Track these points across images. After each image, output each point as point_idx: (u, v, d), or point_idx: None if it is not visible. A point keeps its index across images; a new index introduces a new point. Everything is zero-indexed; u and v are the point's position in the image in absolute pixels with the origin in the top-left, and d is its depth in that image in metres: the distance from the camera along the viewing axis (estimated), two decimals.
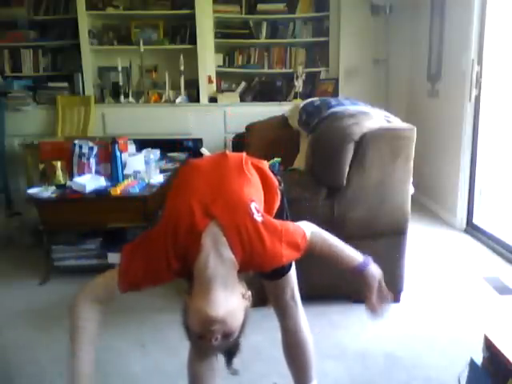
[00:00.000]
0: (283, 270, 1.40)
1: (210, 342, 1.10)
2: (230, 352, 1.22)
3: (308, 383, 1.56)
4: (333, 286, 2.34)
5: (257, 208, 1.21)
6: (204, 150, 1.57)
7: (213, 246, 1.15)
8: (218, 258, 1.14)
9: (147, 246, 1.20)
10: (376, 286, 1.37)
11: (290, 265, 1.44)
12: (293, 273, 1.47)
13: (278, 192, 1.44)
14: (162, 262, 1.17)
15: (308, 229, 1.30)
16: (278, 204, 1.43)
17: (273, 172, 1.49)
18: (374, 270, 1.39)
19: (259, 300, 1.29)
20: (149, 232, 1.24)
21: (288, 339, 1.51)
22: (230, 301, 1.12)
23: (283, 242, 1.20)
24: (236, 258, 1.15)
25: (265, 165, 1.47)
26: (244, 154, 1.43)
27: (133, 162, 3.06)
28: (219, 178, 1.29)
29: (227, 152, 1.44)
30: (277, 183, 1.44)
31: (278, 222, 1.24)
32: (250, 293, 1.20)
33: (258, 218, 1.19)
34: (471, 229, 3.49)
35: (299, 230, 1.26)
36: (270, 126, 3.46)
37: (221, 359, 1.28)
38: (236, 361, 1.24)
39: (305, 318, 1.52)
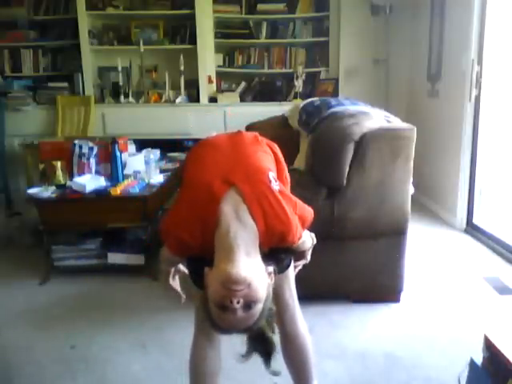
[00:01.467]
0: (284, 263, 1.40)
1: (232, 305, 1.06)
2: (267, 352, 1.19)
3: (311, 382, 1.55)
4: (333, 285, 2.34)
5: (274, 177, 1.24)
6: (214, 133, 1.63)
7: (234, 212, 1.14)
8: (240, 224, 1.14)
9: (173, 219, 1.26)
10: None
11: (290, 260, 1.43)
12: (291, 271, 1.47)
13: (287, 177, 1.49)
14: (186, 233, 1.19)
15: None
16: (289, 185, 1.50)
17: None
18: None
19: None
20: (172, 206, 1.31)
21: (287, 342, 1.50)
22: (253, 267, 1.11)
23: (296, 214, 1.24)
24: (257, 225, 1.15)
25: (276, 146, 1.51)
26: (258, 134, 1.49)
27: (133, 161, 3.06)
28: (236, 150, 1.34)
29: (242, 131, 1.49)
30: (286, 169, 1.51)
31: (290, 194, 1.30)
32: (271, 269, 1.17)
33: (276, 186, 1.22)
34: (471, 229, 3.49)
35: (307, 208, 1.34)
36: (270, 126, 3.46)
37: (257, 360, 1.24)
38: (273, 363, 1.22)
39: (303, 319, 1.51)
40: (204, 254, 1.18)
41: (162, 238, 1.27)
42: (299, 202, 1.30)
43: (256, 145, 1.40)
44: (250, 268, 1.10)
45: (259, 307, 1.11)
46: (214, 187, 1.18)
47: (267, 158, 1.37)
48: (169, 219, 1.28)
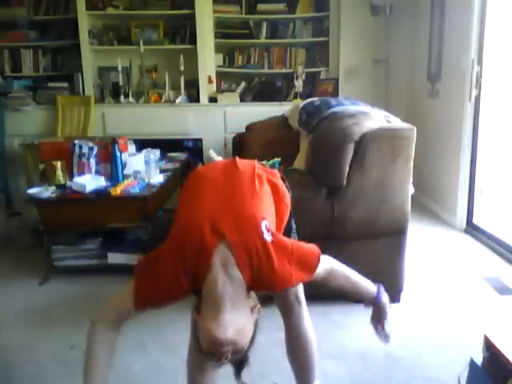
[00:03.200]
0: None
1: (220, 360, 1.11)
2: (239, 364, 1.21)
3: (311, 383, 1.55)
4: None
5: (267, 226, 1.19)
6: (212, 153, 1.56)
7: (222, 266, 1.13)
8: (227, 278, 1.13)
9: (158, 264, 1.18)
10: (388, 313, 1.43)
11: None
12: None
13: (288, 202, 1.45)
14: (173, 281, 1.16)
15: (325, 261, 1.29)
16: (288, 214, 1.45)
17: (282, 179, 1.49)
18: (386, 299, 1.46)
19: (261, 300, 1.29)
20: (159, 248, 1.21)
21: (292, 339, 1.51)
22: (239, 320, 1.11)
23: (293, 263, 1.18)
24: (244, 277, 1.14)
25: (276, 175, 1.47)
26: (255, 163, 1.42)
27: (133, 161, 3.06)
28: (229, 191, 1.28)
29: (237, 161, 1.41)
30: (287, 193, 1.46)
31: (288, 242, 1.22)
32: (259, 305, 1.19)
33: (268, 237, 1.17)
34: (471, 229, 3.49)
35: (312, 251, 1.25)
36: (270, 126, 3.46)
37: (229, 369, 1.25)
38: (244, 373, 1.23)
39: (309, 318, 1.52)
40: (193, 291, 1.19)
41: (134, 278, 1.19)
42: (302, 247, 1.24)
43: (252, 184, 1.30)
44: (235, 322, 1.10)
45: (246, 347, 1.14)
46: (206, 239, 1.14)
47: (262, 200, 1.29)
48: (150, 268, 1.20)
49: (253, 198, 1.27)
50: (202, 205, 1.25)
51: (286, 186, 1.48)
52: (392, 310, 2.34)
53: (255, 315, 1.18)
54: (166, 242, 1.22)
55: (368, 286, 1.43)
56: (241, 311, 1.13)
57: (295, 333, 1.50)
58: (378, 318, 1.44)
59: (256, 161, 1.47)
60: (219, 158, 1.50)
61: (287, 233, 1.48)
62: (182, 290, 1.17)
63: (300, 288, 1.50)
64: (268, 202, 1.32)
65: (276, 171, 1.50)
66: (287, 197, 1.45)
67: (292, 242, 1.24)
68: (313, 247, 1.26)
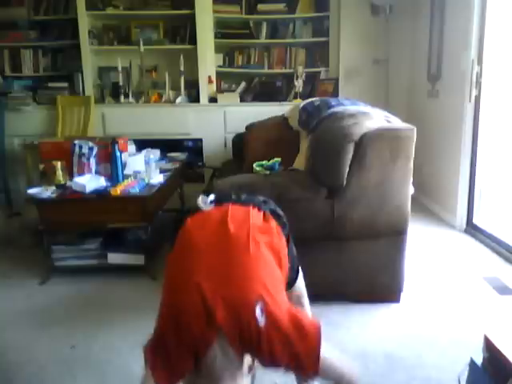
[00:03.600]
0: (293, 280, 1.46)
1: None
2: None
3: (310, 382, 1.55)
4: (333, 285, 2.34)
5: (262, 308, 1.14)
6: (201, 202, 1.47)
7: (219, 349, 1.13)
8: (225, 356, 1.13)
9: (163, 347, 1.18)
10: None
11: (297, 272, 1.49)
12: (300, 281, 1.53)
13: (284, 239, 1.42)
14: (181, 359, 1.16)
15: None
16: (286, 255, 1.40)
17: (274, 212, 1.45)
18: None
19: None
20: (158, 330, 1.22)
21: None
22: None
23: (288, 344, 1.16)
24: (241, 358, 1.15)
25: (271, 224, 1.40)
26: (250, 218, 1.33)
27: (133, 162, 3.06)
28: (222, 267, 1.20)
29: (229, 220, 1.31)
30: (285, 232, 1.45)
31: (285, 319, 1.16)
32: (254, 363, 1.19)
33: (261, 322, 1.13)
34: (471, 229, 3.49)
35: (311, 326, 1.21)
36: (270, 126, 3.46)
37: None
38: None
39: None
40: None
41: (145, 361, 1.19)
42: (301, 322, 1.18)
43: (247, 250, 1.23)
44: None
45: None
46: (203, 332, 1.13)
47: (259, 266, 1.22)
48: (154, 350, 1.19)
49: (248, 271, 1.19)
50: (193, 286, 1.16)
51: (283, 223, 1.46)
52: (392, 310, 2.34)
53: (252, 371, 1.19)
54: (159, 319, 1.24)
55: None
56: (239, 378, 1.15)
57: None
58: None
59: (251, 208, 1.39)
60: (208, 208, 1.41)
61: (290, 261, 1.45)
62: (190, 366, 1.16)
63: (303, 293, 1.53)
64: (265, 261, 1.25)
65: (272, 222, 1.41)
66: (284, 247, 1.39)
67: (290, 317, 1.17)
68: (311, 323, 1.21)
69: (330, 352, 1.26)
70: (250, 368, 1.18)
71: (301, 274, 1.57)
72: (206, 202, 1.43)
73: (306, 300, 1.57)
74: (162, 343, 1.19)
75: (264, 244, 1.29)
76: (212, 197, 1.46)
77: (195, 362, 1.15)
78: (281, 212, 1.49)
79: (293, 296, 1.51)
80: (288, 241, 1.46)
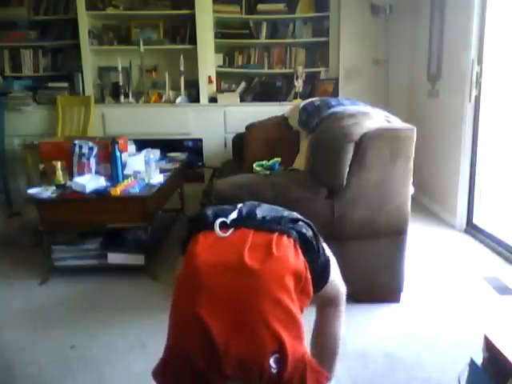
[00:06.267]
0: (322, 283, 1.35)
1: None
2: None
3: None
4: None
5: (278, 358, 1.06)
6: (218, 230, 1.24)
7: None
8: None
9: (169, 374, 1.14)
10: None
11: (327, 277, 1.37)
12: (335, 281, 1.45)
13: (308, 270, 1.24)
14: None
15: None
16: (309, 277, 1.24)
17: (303, 238, 1.27)
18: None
19: None
20: (164, 359, 1.16)
21: (316, 334, 1.53)
22: None
23: None
24: None
25: (299, 258, 1.23)
26: (273, 253, 1.17)
27: (133, 162, 3.06)
28: (235, 313, 1.09)
29: (247, 260, 1.15)
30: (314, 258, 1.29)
31: (297, 370, 1.09)
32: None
33: (275, 371, 1.06)
34: (471, 229, 3.49)
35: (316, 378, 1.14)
36: (270, 126, 3.46)
37: None
38: None
39: (341, 323, 1.53)
40: None
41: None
42: (310, 371, 1.12)
43: (264, 294, 1.11)
44: None
45: None
46: (214, 378, 1.08)
47: (278, 313, 1.10)
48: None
49: (265, 319, 1.08)
50: (200, 335, 1.08)
51: (313, 250, 1.29)
52: (392, 310, 2.34)
53: None
54: (168, 348, 1.17)
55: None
56: None
57: (321, 330, 1.52)
58: None
59: (276, 236, 1.21)
60: (224, 235, 1.23)
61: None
62: None
63: (338, 290, 1.49)
64: (284, 311, 1.12)
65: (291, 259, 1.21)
66: (308, 280, 1.23)
67: (300, 370, 1.10)
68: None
69: None
70: None
71: (335, 274, 1.42)
72: (226, 223, 1.26)
73: (340, 300, 1.50)
74: (171, 371, 1.13)
75: (282, 284, 1.15)
76: (234, 215, 1.28)
77: None
78: (311, 230, 1.32)
79: (325, 296, 1.43)
80: (315, 264, 1.28)
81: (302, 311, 1.20)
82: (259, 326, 1.08)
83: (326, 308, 1.51)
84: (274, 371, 1.05)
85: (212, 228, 1.25)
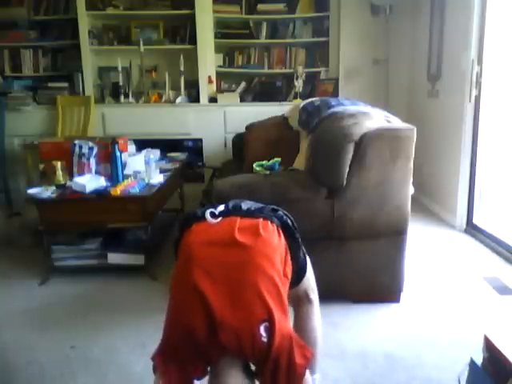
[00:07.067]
0: (298, 280, 1.46)
1: None
2: None
3: (311, 375, 1.56)
4: (333, 286, 2.34)
5: (267, 327, 1.16)
6: (210, 214, 1.41)
7: (226, 361, 1.19)
8: (232, 365, 1.19)
9: (169, 356, 1.22)
10: None
11: (305, 272, 1.48)
12: (309, 276, 1.53)
13: (288, 251, 1.37)
14: (191, 363, 1.20)
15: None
16: (290, 266, 1.37)
17: (285, 224, 1.40)
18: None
19: None
20: (163, 340, 1.25)
21: (298, 326, 1.54)
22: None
23: (284, 362, 1.19)
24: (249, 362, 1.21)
25: (281, 240, 1.36)
26: (260, 233, 1.29)
27: (133, 162, 3.06)
28: (228, 284, 1.19)
29: (237, 233, 1.27)
30: (294, 245, 1.41)
31: (285, 341, 1.19)
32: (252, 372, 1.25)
33: (265, 339, 1.16)
34: (471, 229, 3.49)
35: (302, 354, 1.23)
36: (270, 126, 3.46)
37: None
38: None
39: (319, 317, 1.57)
40: None
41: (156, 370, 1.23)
42: (294, 358, 1.20)
43: (255, 265, 1.22)
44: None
45: None
46: (210, 354, 1.18)
47: (267, 281, 1.21)
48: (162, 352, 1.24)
49: (255, 291, 1.19)
50: (199, 306, 1.17)
51: (294, 236, 1.42)
52: (392, 310, 2.34)
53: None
54: (167, 329, 1.25)
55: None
56: (247, 380, 1.20)
57: (300, 327, 1.53)
58: None
59: (261, 221, 1.33)
60: (214, 221, 1.35)
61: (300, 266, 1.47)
62: (201, 371, 1.22)
63: (312, 287, 1.54)
64: (271, 284, 1.22)
65: (278, 238, 1.35)
66: (288, 253, 1.37)
67: (288, 341, 1.20)
68: (303, 362, 1.22)
69: None
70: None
71: (309, 270, 1.52)
72: (214, 213, 1.37)
73: (314, 295, 1.56)
74: (169, 350, 1.21)
75: (272, 263, 1.25)
76: (222, 207, 1.40)
77: (207, 368, 1.19)
78: (291, 223, 1.43)
79: (300, 291, 1.51)
80: (295, 251, 1.41)
81: (287, 283, 1.32)
82: (251, 295, 1.18)
83: (302, 305, 1.54)
84: (264, 340, 1.15)
85: (202, 219, 1.36)
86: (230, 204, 1.43)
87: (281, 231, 1.37)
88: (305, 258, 1.49)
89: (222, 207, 1.40)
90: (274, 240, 1.31)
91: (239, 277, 1.20)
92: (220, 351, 1.16)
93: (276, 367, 1.17)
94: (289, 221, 1.43)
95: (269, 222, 1.35)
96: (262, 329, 1.15)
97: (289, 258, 1.35)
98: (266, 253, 1.26)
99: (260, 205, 1.46)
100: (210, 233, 1.31)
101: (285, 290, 1.27)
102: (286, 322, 1.23)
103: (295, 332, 1.53)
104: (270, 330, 1.16)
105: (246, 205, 1.43)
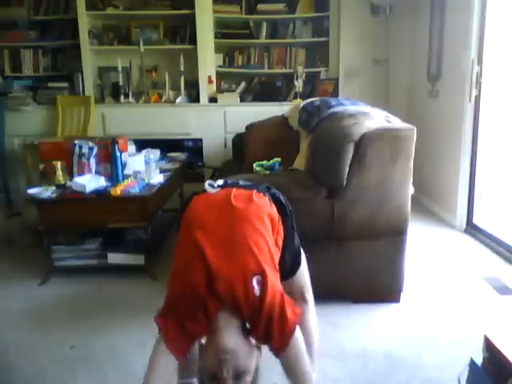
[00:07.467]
0: (293, 270, 1.52)
1: (222, 375, 1.18)
2: None
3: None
4: (333, 286, 2.34)
5: (259, 280, 1.24)
6: (209, 185, 1.53)
7: (223, 314, 1.24)
8: (229, 318, 1.24)
9: (169, 315, 1.27)
10: None
11: (299, 263, 1.54)
12: (304, 272, 1.56)
13: (281, 228, 1.46)
14: (193, 323, 1.25)
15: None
16: (282, 236, 1.46)
17: (277, 200, 1.50)
18: None
19: None
20: (166, 300, 1.31)
21: None
22: (241, 339, 1.23)
23: (277, 316, 1.25)
24: (242, 319, 1.26)
25: (273, 209, 1.46)
26: (253, 200, 1.40)
27: (133, 162, 3.06)
28: (225, 242, 1.29)
29: (233, 199, 1.39)
30: (287, 221, 1.50)
31: (274, 301, 1.25)
32: (260, 345, 1.30)
33: (257, 292, 1.23)
34: (471, 229, 3.49)
35: (290, 322, 1.28)
36: (270, 126, 3.46)
37: None
38: None
39: (315, 317, 1.57)
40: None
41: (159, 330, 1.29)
42: (285, 311, 1.27)
43: (248, 224, 1.33)
44: (237, 340, 1.22)
45: (248, 379, 1.23)
46: (208, 304, 1.23)
47: (259, 240, 1.31)
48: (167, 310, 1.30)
49: (248, 244, 1.29)
50: (199, 261, 1.26)
51: (285, 211, 1.50)
52: (392, 310, 2.34)
53: (257, 350, 1.29)
54: (169, 287, 1.31)
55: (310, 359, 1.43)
56: (243, 336, 1.25)
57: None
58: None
59: (255, 192, 1.45)
60: (216, 190, 1.48)
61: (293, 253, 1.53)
62: (202, 328, 1.26)
63: (307, 287, 1.56)
64: (264, 242, 1.33)
65: (268, 204, 1.46)
66: (280, 222, 1.46)
67: (280, 296, 1.27)
68: (292, 319, 1.29)
69: (301, 345, 1.34)
70: (258, 347, 1.28)
71: (304, 266, 1.57)
72: (212, 185, 1.49)
73: (309, 295, 1.59)
74: (171, 309, 1.27)
75: (264, 225, 1.36)
76: (220, 181, 1.53)
77: (206, 329, 1.25)
78: (284, 200, 1.53)
79: (295, 288, 1.53)
80: (288, 229, 1.49)
81: (278, 252, 1.40)
82: (244, 250, 1.28)
83: (297, 305, 1.52)
84: (257, 293, 1.22)
85: (202, 193, 1.48)
86: (229, 181, 1.57)
87: (273, 205, 1.47)
88: (299, 246, 1.56)
89: (220, 181, 1.53)
90: (267, 207, 1.43)
91: (233, 233, 1.31)
92: (217, 303, 1.22)
93: (269, 322, 1.24)
94: (281, 198, 1.53)
95: (261, 194, 1.47)
96: (254, 281, 1.23)
97: (281, 229, 1.45)
98: (258, 215, 1.37)
99: (256, 183, 1.60)
100: (209, 199, 1.45)
101: (276, 255, 1.36)
102: (277, 279, 1.30)
103: None
104: (262, 284, 1.23)
105: (242, 182, 1.58)
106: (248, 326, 1.28)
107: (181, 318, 1.25)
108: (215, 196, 1.45)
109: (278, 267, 1.35)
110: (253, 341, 1.27)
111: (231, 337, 1.21)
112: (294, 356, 1.32)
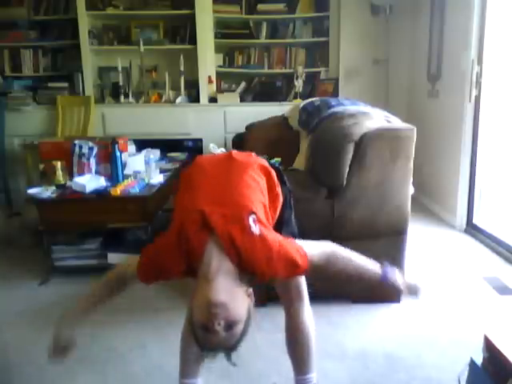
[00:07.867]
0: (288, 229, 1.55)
1: (213, 327, 1.13)
2: (229, 351, 1.23)
3: (307, 374, 1.56)
4: (333, 285, 2.34)
5: (255, 219, 1.26)
6: (213, 147, 1.62)
7: (214, 252, 1.22)
8: (220, 261, 1.21)
9: (160, 247, 1.31)
10: (403, 287, 1.54)
11: (295, 232, 1.57)
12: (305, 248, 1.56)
13: (280, 191, 1.52)
14: (171, 263, 1.26)
15: (320, 247, 1.34)
16: (280, 202, 1.53)
17: (279, 173, 1.57)
18: (393, 274, 1.56)
19: (258, 300, 1.30)
20: (163, 235, 1.34)
21: (290, 331, 1.55)
22: (232, 289, 1.18)
23: (277, 257, 1.23)
24: (234, 264, 1.22)
25: (269, 166, 1.54)
26: (252, 156, 1.52)
27: (133, 162, 3.06)
28: (223, 183, 1.37)
29: (233, 153, 1.52)
30: (279, 184, 1.53)
31: (275, 239, 1.26)
32: (251, 290, 1.24)
33: (256, 230, 1.24)
34: (471, 229, 3.49)
35: (297, 249, 1.27)
36: (270, 126, 3.46)
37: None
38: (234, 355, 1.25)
39: (310, 314, 1.56)
40: (190, 274, 1.27)
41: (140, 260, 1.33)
42: (287, 245, 1.26)
43: (245, 175, 1.40)
44: (228, 291, 1.17)
45: (240, 327, 1.18)
46: (198, 231, 1.24)
47: (254, 191, 1.37)
48: (155, 246, 1.34)
49: (243, 189, 1.35)
50: (198, 195, 1.35)
51: (284, 181, 1.58)
52: (392, 310, 2.34)
53: (249, 299, 1.23)
54: (167, 230, 1.35)
55: (373, 267, 1.50)
56: (234, 285, 1.20)
57: (294, 325, 1.54)
58: (398, 293, 1.55)
59: (253, 153, 1.57)
60: (219, 151, 1.58)
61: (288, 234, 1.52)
62: (179, 270, 1.25)
63: (302, 285, 1.54)
64: (260, 191, 1.39)
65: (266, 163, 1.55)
66: (278, 186, 1.53)
67: (279, 239, 1.27)
68: (297, 246, 1.28)
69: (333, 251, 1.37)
70: (247, 293, 1.23)
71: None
72: (215, 148, 1.57)
73: (305, 294, 1.57)
74: (160, 245, 1.32)
75: (261, 177, 1.44)
76: (222, 149, 1.68)
77: (192, 269, 1.23)
78: (282, 172, 1.60)
79: (290, 286, 1.53)
80: (286, 200, 1.56)
81: (274, 217, 1.47)
82: (238, 192, 1.33)
83: (292, 304, 1.54)
84: (254, 231, 1.23)
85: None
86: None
87: (270, 169, 1.53)
88: (297, 234, 1.58)
89: (223, 149, 1.71)
90: (265, 164, 1.52)
91: (230, 176, 1.39)
92: (206, 236, 1.22)
93: (272, 255, 1.21)
94: (281, 169, 1.61)
95: (260, 158, 1.57)
96: (250, 220, 1.24)
97: (279, 191, 1.51)
98: (258, 165, 1.47)
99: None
100: (211, 157, 1.61)
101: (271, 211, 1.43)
102: (271, 230, 1.32)
103: (287, 331, 1.55)
104: (259, 223, 1.26)
105: None
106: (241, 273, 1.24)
107: (161, 253, 1.27)
108: (218, 155, 1.61)
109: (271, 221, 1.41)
110: (244, 287, 1.22)
111: (223, 287, 1.16)
112: (334, 260, 1.36)
